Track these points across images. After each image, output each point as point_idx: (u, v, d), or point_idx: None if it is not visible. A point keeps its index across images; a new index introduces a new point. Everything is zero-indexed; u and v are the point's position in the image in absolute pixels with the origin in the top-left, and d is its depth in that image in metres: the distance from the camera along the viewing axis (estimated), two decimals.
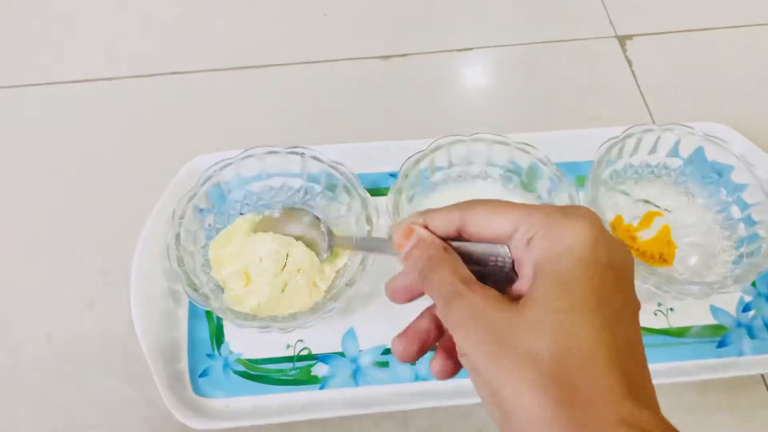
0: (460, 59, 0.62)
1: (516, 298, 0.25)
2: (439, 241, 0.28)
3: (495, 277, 0.28)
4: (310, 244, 0.44)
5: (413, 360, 0.29)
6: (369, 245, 0.40)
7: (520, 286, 0.26)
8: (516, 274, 0.27)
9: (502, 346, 0.24)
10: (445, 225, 0.29)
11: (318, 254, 0.44)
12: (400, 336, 0.30)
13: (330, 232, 0.44)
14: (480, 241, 0.28)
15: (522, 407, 0.23)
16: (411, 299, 0.31)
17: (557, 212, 0.26)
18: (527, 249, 0.26)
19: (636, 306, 0.26)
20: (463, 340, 0.25)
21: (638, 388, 0.23)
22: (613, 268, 0.25)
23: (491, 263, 0.28)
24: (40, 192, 0.52)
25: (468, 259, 0.28)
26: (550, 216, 0.26)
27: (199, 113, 0.58)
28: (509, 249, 0.27)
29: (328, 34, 0.63)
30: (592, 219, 0.26)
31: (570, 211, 0.26)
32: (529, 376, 0.23)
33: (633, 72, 0.61)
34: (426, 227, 0.29)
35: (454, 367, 0.29)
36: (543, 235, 0.26)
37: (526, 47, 0.63)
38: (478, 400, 0.41)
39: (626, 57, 0.62)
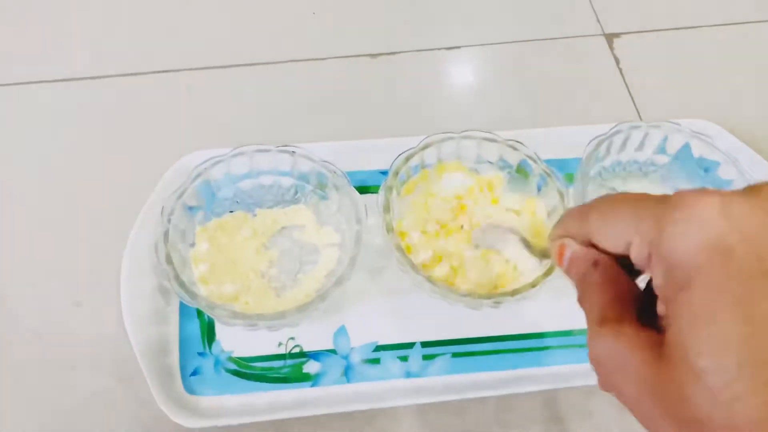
0: (449, 57, 0.63)
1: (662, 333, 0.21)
2: (590, 257, 0.25)
3: None
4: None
5: None
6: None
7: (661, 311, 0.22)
8: None
9: (655, 405, 0.20)
10: (581, 236, 0.25)
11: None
12: None
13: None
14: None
15: None
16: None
17: (667, 213, 0.20)
18: (650, 268, 0.21)
19: None
20: (605, 377, 0.22)
21: None
22: (759, 276, 0.18)
23: None
24: (28, 191, 0.52)
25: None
26: (659, 223, 0.20)
27: (188, 112, 0.57)
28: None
29: (317, 33, 0.63)
30: (704, 213, 0.19)
31: (678, 206, 0.20)
32: None
33: (620, 69, 0.62)
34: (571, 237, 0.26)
35: None
36: (656, 254, 0.20)
37: (515, 45, 0.63)
38: (470, 395, 0.42)
39: (614, 55, 0.63)
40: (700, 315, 0.18)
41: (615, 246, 0.23)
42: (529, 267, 0.43)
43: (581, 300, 0.25)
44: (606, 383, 0.23)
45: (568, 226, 0.27)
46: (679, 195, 0.20)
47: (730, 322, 0.18)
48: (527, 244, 0.38)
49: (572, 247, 0.26)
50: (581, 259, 0.25)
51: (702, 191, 0.20)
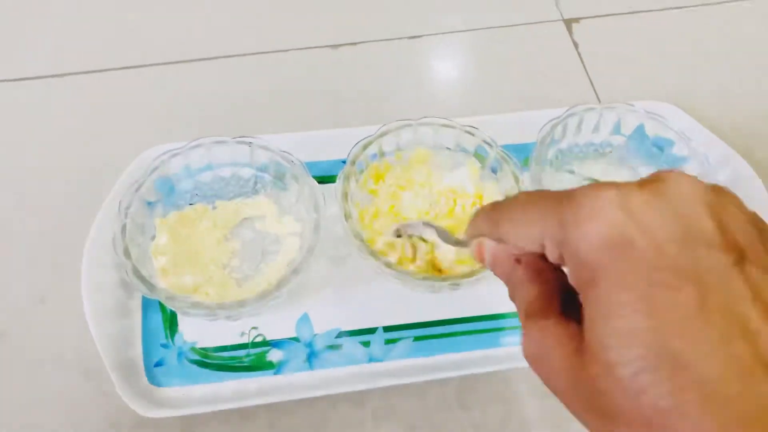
0: (410, 46, 0.63)
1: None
2: (511, 254, 0.25)
3: None
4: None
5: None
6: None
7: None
8: None
9: (578, 397, 0.20)
10: (495, 238, 0.25)
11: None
12: None
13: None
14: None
15: None
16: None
17: (569, 213, 0.20)
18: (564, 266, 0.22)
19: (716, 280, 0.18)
20: (536, 371, 0.22)
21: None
22: (659, 268, 0.18)
23: None
24: None
25: None
26: (563, 224, 0.20)
27: (150, 107, 0.58)
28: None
29: (278, 24, 0.64)
30: (603, 210, 0.19)
31: (578, 204, 0.20)
32: None
33: (579, 54, 0.62)
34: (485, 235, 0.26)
35: None
36: (565, 254, 0.21)
37: (476, 33, 0.64)
38: (431, 377, 0.43)
39: (573, 40, 0.64)
40: (606, 311, 0.19)
41: (531, 248, 0.23)
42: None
43: (511, 296, 0.25)
44: (539, 377, 0.23)
45: (481, 228, 0.26)
46: (579, 193, 0.20)
47: (634, 315, 0.18)
48: (443, 236, 0.39)
49: (490, 247, 0.26)
50: (502, 257, 0.25)
51: (598, 186, 0.20)
